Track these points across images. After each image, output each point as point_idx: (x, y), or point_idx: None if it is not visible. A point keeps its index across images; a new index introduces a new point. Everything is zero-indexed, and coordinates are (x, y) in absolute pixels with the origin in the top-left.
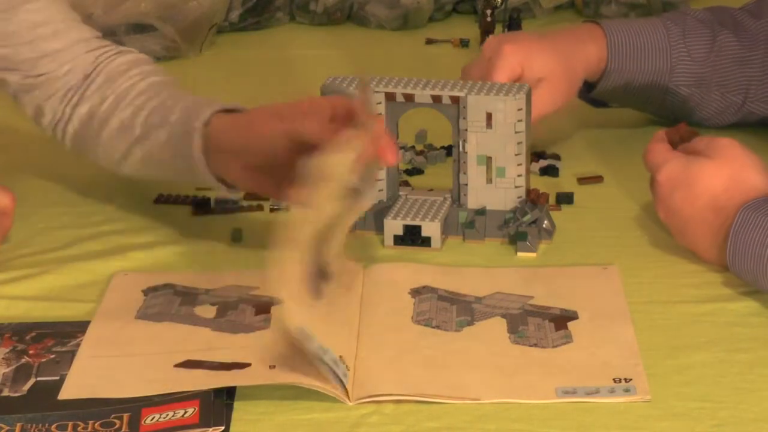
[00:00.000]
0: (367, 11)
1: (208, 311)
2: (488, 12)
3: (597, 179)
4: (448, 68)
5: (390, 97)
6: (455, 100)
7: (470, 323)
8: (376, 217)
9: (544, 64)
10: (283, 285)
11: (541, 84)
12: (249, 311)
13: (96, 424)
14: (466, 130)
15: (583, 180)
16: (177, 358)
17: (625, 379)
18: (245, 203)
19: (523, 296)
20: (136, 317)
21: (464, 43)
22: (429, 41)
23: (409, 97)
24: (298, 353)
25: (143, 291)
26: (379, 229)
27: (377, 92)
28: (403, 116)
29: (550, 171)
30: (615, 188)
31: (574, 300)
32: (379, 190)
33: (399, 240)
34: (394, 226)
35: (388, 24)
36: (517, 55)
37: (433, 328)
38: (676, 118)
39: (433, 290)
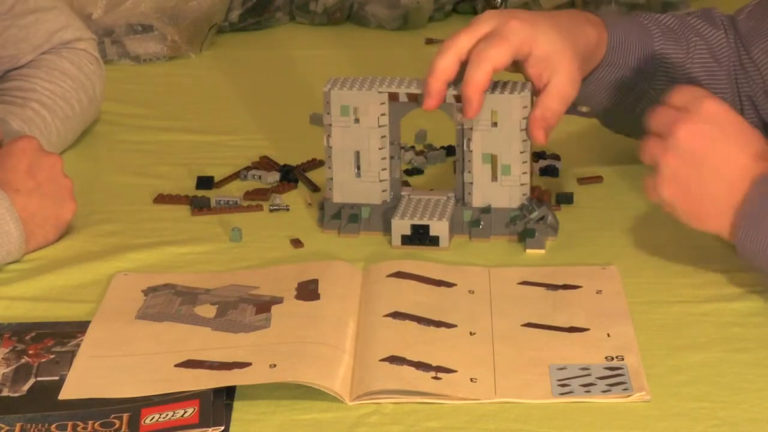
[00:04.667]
0: (367, 11)
1: (208, 311)
2: None
3: (597, 179)
4: None
5: (393, 97)
6: (459, 99)
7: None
8: (383, 217)
9: (552, 41)
10: None
11: (555, 67)
12: (249, 310)
13: (96, 424)
14: (471, 128)
15: (583, 180)
16: (177, 357)
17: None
18: (245, 203)
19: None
20: (136, 317)
21: None
22: (429, 41)
23: (412, 97)
24: (298, 352)
25: (143, 291)
26: (386, 229)
27: (380, 92)
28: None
29: (550, 171)
30: (615, 188)
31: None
32: (383, 191)
33: (407, 240)
34: (401, 226)
35: (388, 24)
36: (524, 31)
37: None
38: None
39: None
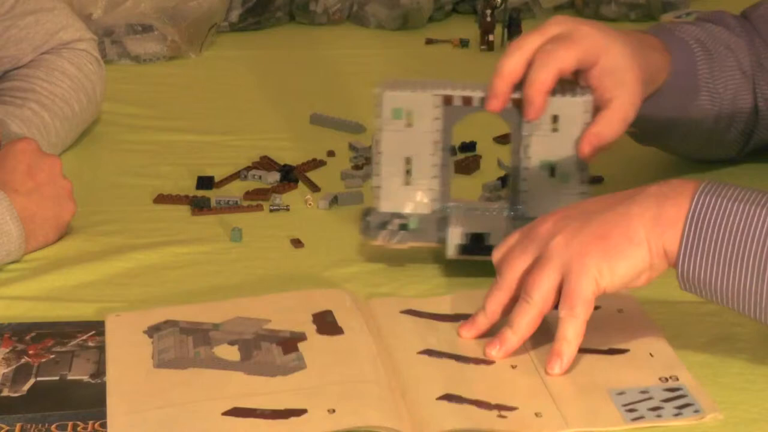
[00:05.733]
0: (367, 11)
1: (230, 352)
2: (488, 12)
3: (597, 179)
4: (448, 69)
5: (447, 100)
6: (517, 102)
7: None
8: (437, 226)
9: (621, 55)
10: None
11: (621, 83)
12: (276, 350)
13: (96, 424)
14: (529, 134)
15: None
16: (222, 405)
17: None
18: (245, 203)
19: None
20: (155, 366)
21: (464, 43)
22: (429, 41)
23: (467, 101)
24: (352, 393)
25: (146, 332)
26: (440, 240)
27: (435, 95)
28: None
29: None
30: (615, 188)
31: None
32: (433, 200)
33: (463, 250)
34: (458, 235)
35: (388, 24)
36: (595, 38)
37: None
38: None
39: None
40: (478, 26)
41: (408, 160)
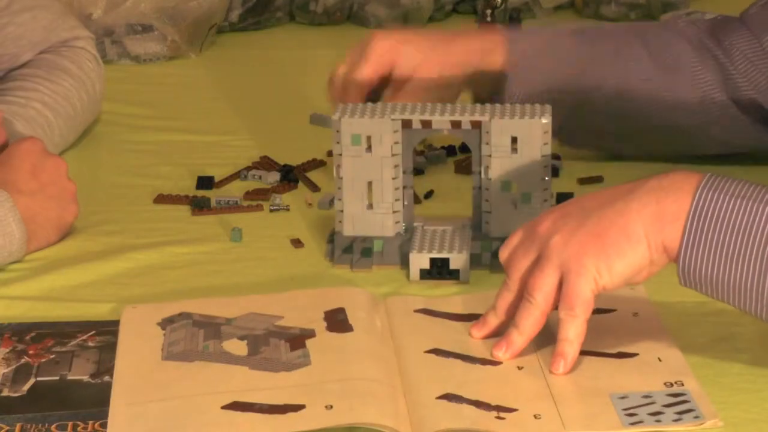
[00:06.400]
0: (367, 11)
1: (238, 347)
2: (488, 12)
3: (597, 179)
4: None
5: (406, 124)
6: (477, 124)
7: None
8: (399, 250)
9: (415, 53)
10: None
11: (420, 67)
12: (283, 347)
13: (96, 424)
14: (489, 155)
15: (583, 180)
16: (222, 399)
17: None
18: (245, 203)
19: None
20: (163, 358)
21: None
22: None
23: (426, 124)
24: (352, 390)
25: (159, 324)
26: (402, 263)
27: (394, 120)
28: None
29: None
30: None
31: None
32: (396, 223)
33: (425, 274)
34: (420, 259)
35: (388, 24)
36: (385, 43)
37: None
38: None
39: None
40: (478, 26)
41: (369, 185)
